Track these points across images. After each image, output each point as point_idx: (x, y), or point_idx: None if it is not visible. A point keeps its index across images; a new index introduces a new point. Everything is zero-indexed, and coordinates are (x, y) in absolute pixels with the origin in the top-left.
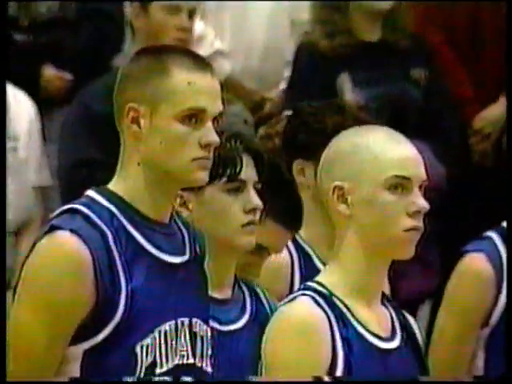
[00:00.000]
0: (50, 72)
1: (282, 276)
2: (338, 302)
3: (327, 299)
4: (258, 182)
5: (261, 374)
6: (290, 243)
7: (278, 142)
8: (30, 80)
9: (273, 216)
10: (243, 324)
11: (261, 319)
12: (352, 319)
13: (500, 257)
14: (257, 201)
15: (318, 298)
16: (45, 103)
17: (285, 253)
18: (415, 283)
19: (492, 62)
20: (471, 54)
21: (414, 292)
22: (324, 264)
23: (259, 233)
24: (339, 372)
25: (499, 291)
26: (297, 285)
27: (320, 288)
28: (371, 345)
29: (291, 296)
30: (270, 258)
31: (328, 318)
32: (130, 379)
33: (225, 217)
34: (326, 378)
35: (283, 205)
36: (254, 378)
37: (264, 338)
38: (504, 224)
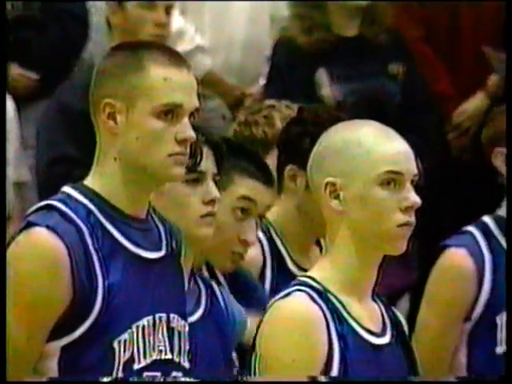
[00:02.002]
0: (15, 71)
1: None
2: (332, 298)
3: (322, 295)
4: (216, 174)
5: (254, 368)
6: (265, 244)
7: (255, 131)
8: None
9: (249, 174)
10: (197, 318)
11: (215, 314)
12: (346, 315)
13: (481, 251)
14: (215, 192)
15: (312, 293)
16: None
17: (258, 253)
18: (394, 277)
19: (470, 57)
20: (449, 49)
21: (392, 286)
22: (298, 266)
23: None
24: (335, 368)
25: (480, 286)
26: (267, 284)
27: (314, 283)
28: (365, 340)
29: (286, 291)
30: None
31: (323, 313)
32: (109, 378)
33: (184, 207)
34: (323, 378)
35: (254, 164)
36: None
37: (259, 332)
38: (484, 218)
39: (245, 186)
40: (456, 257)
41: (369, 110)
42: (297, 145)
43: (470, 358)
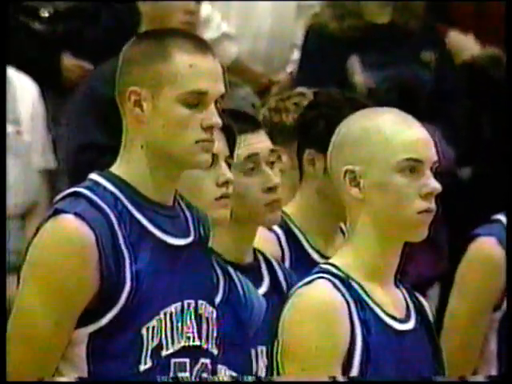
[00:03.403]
0: (69, 61)
1: None
2: (354, 285)
3: (344, 281)
4: (229, 156)
5: (276, 355)
6: (282, 237)
7: (285, 118)
8: (50, 69)
9: (242, 132)
10: (215, 304)
11: (233, 301)
12: (369, 301)
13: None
14: (229, 174)
15: (334, 280)
16: (65, 92)
17: (275, 246)
18: (424, 266)
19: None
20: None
21: (423, 275)
22: (319, 253)
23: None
24: (358, 354)
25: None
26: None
27: (336, 270)
28: (388, 326)
29: (308, 278)
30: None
31: (346, 300)
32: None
33: (198, 191)
34: (340, 378)
35: (242, 121)
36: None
37: (281, 319)
38: None
39: (245, 146)
40: (486, 245)
41: (400, 97)
42: (313, 128)
43: (500, 347)
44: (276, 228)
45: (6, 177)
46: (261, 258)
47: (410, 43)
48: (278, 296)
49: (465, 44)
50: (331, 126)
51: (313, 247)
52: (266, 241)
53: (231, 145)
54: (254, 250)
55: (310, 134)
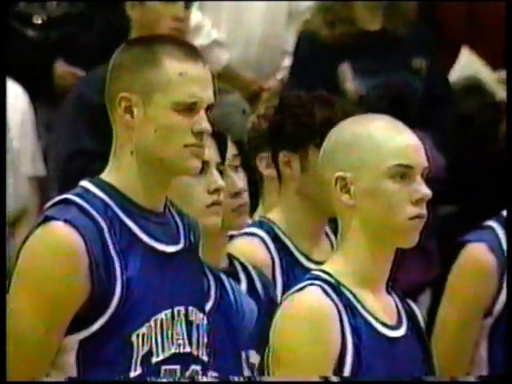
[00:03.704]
0: (61, 68)
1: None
2: (345, 291)
3: (335, 288)
4: (220, 163)
5: (267, 361)
6: (270, 244)
7: None
8: (43, 76)
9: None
10: (207, 310)
11: (224, 306)
12: (360, 308)
13: (501, 246)
14: (220, 181)
15: (326, 287)
16: (57, 100)
17: (265, 254)
18: (415, 273)
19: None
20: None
21: (413, 281)
22: (305, 256)
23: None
24: (349, 361)
25: (501, 281)
26: (279, 282)
27: (327, 277)
28: (379, 333)
29: (299, 285)
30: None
31: (337, 307)
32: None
33: (189, 198)
34: (333, 378)
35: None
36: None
37: (273, 326)
38: (505, 213)
39: None
40: (476, 252)
41: (391, 104)
42: (283, 130)
43: (490, 353)
44: (263, 234)
45: (5, 186)
46: (237, 263)
47: (401, 50)
48: (256, 300)
49: None
50: (301, 124)
51: (300, 251)
52: (255, 248)
53: (222, 152)
54: (229, 255)
55: (282, 135)
